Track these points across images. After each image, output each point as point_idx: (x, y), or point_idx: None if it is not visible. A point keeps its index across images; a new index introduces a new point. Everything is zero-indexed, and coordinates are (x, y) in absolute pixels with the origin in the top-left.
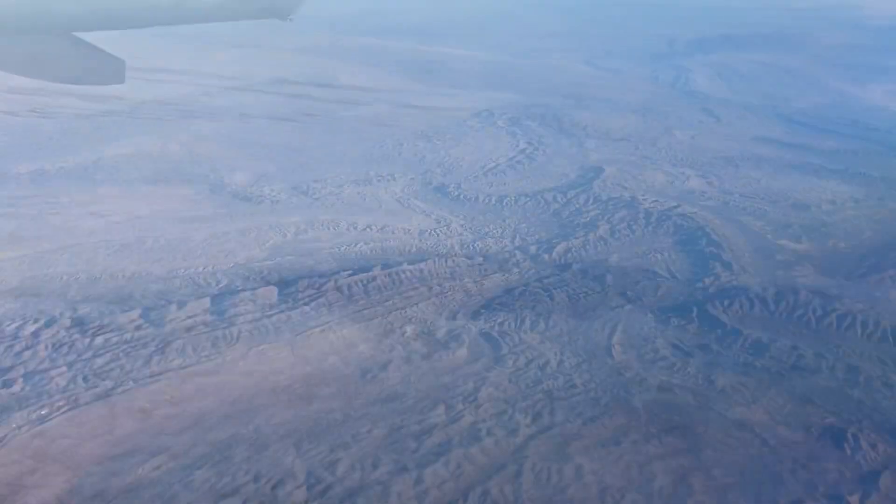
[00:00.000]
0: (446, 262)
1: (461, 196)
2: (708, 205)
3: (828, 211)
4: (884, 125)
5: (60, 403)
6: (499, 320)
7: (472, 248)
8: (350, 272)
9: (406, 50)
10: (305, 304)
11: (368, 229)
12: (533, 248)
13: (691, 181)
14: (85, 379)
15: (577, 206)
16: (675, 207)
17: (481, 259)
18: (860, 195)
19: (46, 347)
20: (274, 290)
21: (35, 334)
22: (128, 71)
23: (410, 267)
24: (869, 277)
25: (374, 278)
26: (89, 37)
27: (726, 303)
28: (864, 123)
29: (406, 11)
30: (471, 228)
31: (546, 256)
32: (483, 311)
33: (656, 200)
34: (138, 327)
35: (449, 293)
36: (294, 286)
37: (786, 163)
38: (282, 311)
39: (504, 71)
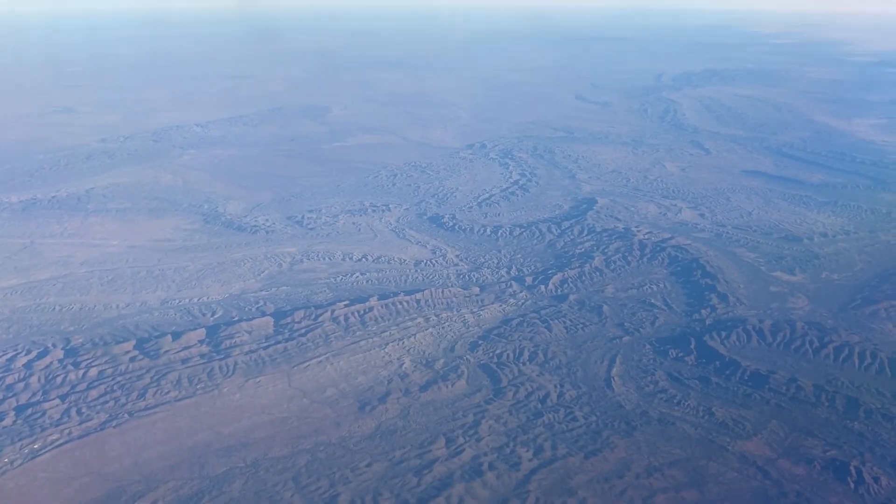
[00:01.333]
0: (443, 292)
1: (456, 226)
2: (701, 237)
3: (819, 243)
4: (870, 158)
5: (54, 437)
6: (497, 351)
7: (468, 278)
8: (346, 303)
9: (397, 81)
10: (302, 335)
11: (364, 259)
12: (529, 279)
13: (684, 213)
14: (79, 412)
15: (572, 237)
16: (669, 239)
17: (478, 290)
18: (851, 227)
19: (39, 379)
20: (270, 320)
21: (27, 366)
22: (120, 101)
23: (407, 297)
24: (863, 309)
25: (370, 309)
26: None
27: (723, 334)
28: (851, 156)
29: (394, 45)
30: (466, 259)
31: (542, 287)
32: (481, 342)
33: (650, 232)
34: (133, 359)
35: (446, 324)
36: (290, 317)
37: (776, 195)
38: (278, 343)
39: (495, 103)
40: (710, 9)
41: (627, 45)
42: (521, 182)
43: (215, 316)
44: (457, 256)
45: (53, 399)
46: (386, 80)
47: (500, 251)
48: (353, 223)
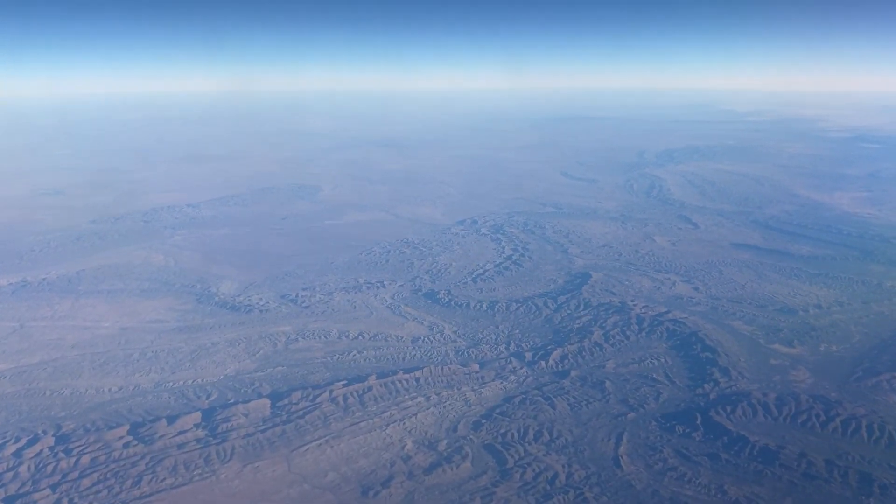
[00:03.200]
0: (442, 369)
1: (452, 302)
2: (697, 310)
3: (815, 315)
4: (855, 230)
5: None
6: (501, 430)
7: (466, 354)
8: (344, 382)
9: (386, 160)
10: (300, 416)
11: (360, 337)
12: (528, 355)
13: (678, 287)
14: (71, 502)
15: (569, 311)
16: (666, 313)
17: (477, 366)
18: (844, 299)
19: (29, 468)
20: (267, 402)
21: (17, 454)
22: (111, 183)
23: (406, 376)
24: (866, 381)
25: (369, 388)
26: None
27: (729, 409)
28: (837, 229)
29: (383, 126)
30: (464, 335)
31: (543, 363)
32: (484, 420)
33: (646, 306)
34: (127, 445)
35: (447, 402)
36: (287, 398)
37: (767, 267)
38: (276, 425)
39: (483, 180)
40: (687, 88)
41: (609, 124)
42: (514, 257)
43: (210, 398)
44: (454, 332)
45: (44, 489)
46: (376, 159)
47: (497, 327)
48: (348, 300)
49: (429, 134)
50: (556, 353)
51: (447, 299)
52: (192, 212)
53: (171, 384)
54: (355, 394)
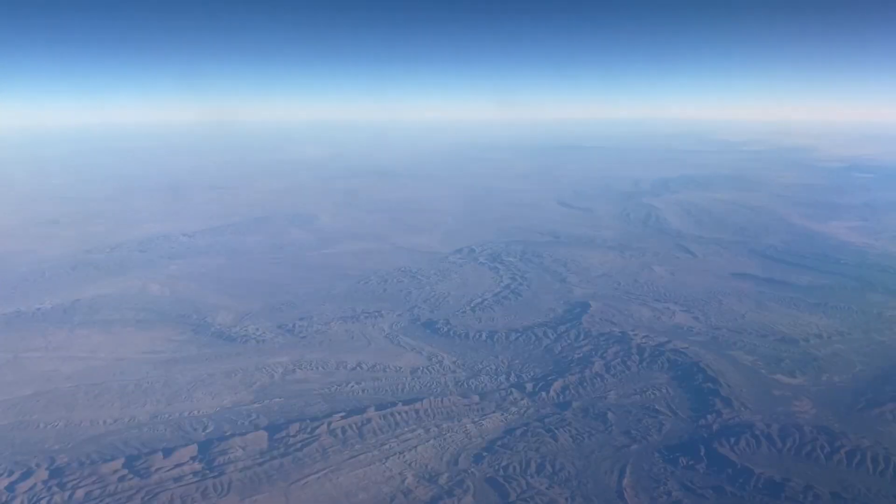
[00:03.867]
0: (442, 401)
1: (451, 332)
2: (698, 340)
3: (816, 345)
4: (852, 259)
5: None
6: (503, 464)
7: (466, 385)
8: (343, 414)
9: (383, 190)
10: (298, 449)
11: (359, 368)
12: (529, 386)
13: (677, 316)
14: None
15: (569, 341)
16: (666, 343)
17: (478, 398)
18: (844, 328)
19: (23, 503)
20: (264, 435)
21: (10, 488)
22: (105, 212)
23: (405, 407)
24: (869, 412)
25: (368, 420)
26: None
27: (732, 440)
28: (835, 258)
29: (378, 155)
30: (463, 365)
31: (544, 394)
32: (485, 453)
33: (647, 336)
34: (122, 478)
35: (448, 435)
36: (285, 430)
37: (766, 297)
38: (274, 458)
39: (480, 209)
40: (679, 118)
41: (603, 154)
42: (512, 286)
43: (207, 431)
44: (454, 363)
45: None
46: (370, 188)
47: (497, 356)
48: (346, 330)
49: (422, 164)
50: (558, 384)
51: (446, 329)
52: (188, 241)
53: (166, 416)
54: (354, 426)
